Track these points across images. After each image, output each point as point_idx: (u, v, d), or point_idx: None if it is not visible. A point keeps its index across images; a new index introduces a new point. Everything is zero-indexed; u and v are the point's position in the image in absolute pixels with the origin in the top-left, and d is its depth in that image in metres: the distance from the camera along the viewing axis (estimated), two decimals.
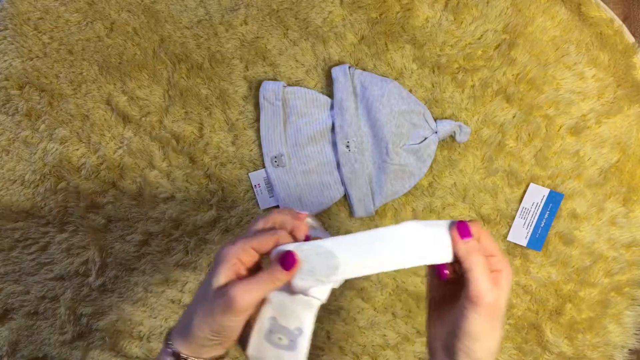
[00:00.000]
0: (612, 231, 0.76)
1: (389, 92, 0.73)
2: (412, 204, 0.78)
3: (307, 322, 0.44)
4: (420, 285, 0.78)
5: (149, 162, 0.78)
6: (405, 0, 0.76)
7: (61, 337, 0.80)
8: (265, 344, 0.44)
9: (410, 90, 0.76)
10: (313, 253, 0.42)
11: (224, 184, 0.78)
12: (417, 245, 0.42)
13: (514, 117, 0.76)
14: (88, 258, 0.79)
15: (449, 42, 0.76)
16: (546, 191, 0.76)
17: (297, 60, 0.77)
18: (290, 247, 0.43)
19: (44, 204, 0.79)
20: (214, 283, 0.42)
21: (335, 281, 0.43)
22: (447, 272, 0.44)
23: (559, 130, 0.76)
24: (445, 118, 0.76)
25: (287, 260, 0.42)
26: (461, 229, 0.41)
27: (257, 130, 0.78)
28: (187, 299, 0.79)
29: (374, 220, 0.78)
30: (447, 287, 0.45)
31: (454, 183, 0.77)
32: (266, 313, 0.44)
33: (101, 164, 0.78)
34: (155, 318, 0.80)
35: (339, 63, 0.76)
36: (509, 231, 0.77)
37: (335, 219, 0.78)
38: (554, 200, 0.76)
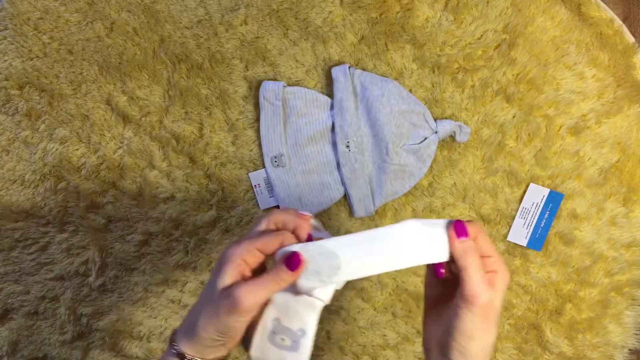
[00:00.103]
0: (612, 231, 0.76)
1: (389, 92, 0.73)
2: (412, 204, 0.78)
3: (310, 323, 0.44)
4: (420, 285, 0.78)
5: (149, 162, 0.78)
6: (405, 0, 0.76)
7: (61, 337, 0.80)
8: (268, 345, 0.44)
9: (410, 90, 0.76)
10: (316, 253, 0.42)
11: (224, 184, 0.78)
12: (416, 244, 0.42)
13: (514, 117, 0.76)
14: (88, 258, 0.79)
15: (449, 42, 0.76)
16: (546, 191, 0.76)
17: (297, 60, 0.77)
18: (296, 247, 0.43)
19: (44, 204, 0.79)
20: (219, 284, 0.42)
21: (338, 282, 0.43)
22: (443, 271, 0.44)
23: (559, 130, 0.76)
24: (445, 118, 0.76)
25: (293, 261, 0.42)
26: (458, 228, 0.41)
27: (257, 130, 0.77)
28: (187, 299, 0.79)
29: (374, 220, 0.78)
30: (444, 286, 0.45)
31: (454, 183, 0.77)
32: (269, 314, 0.44)
33: (101, 164, 0.78)
34: (155, 318, 0.80)
35: (339, 63, 0.76)
36: (509, 231, 0.77)
37: (335, 219, 0.78)
38: (554, 200, 0.76)
